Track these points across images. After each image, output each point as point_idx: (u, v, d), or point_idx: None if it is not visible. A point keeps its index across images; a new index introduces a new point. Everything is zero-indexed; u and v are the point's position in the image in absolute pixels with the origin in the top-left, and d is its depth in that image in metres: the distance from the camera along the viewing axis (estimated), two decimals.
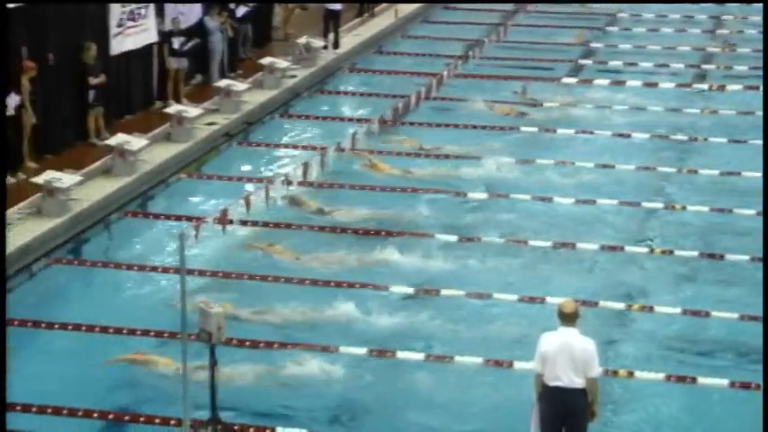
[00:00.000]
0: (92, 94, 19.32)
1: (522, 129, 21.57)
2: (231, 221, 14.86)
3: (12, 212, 16.51)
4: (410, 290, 14.84)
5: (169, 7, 22.02)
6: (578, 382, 10.31)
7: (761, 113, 21.00)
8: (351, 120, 21.96)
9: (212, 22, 22.86)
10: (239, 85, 22.31)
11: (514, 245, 16.22)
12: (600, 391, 10.57)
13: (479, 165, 19.42)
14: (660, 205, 17.92)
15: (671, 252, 16.07)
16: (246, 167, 19.74)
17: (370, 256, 15.75)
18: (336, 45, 26.43)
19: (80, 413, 11.84)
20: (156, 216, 17.68)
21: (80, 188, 17.27)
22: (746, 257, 15.61)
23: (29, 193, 17.01)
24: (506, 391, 12.30)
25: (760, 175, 17.79)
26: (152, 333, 13.57)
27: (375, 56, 27.19)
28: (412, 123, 21.58)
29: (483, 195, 18.20)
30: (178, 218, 17.05)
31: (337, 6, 26.35)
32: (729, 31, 29.06)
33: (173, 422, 11.47)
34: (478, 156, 19.75)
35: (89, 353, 13.07)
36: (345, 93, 24.51)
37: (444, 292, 14.77)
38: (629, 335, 13.93)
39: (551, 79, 24.81)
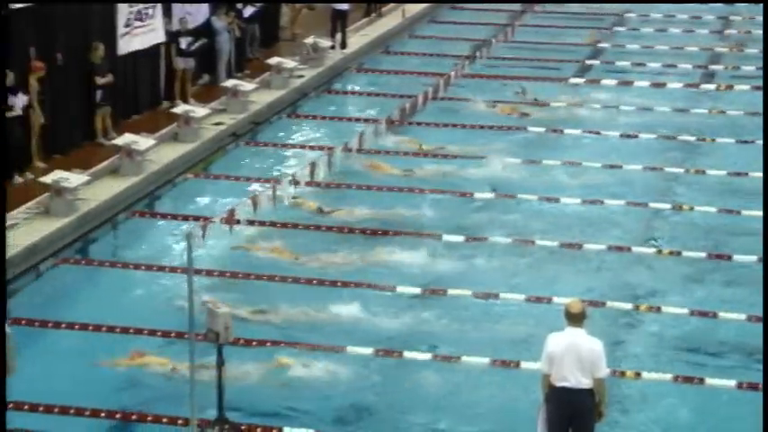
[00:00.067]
0: (99, 93, 19.35)
1: (530, 129, 21.55)
2: (238, 221, 14.87)
3: (19, 212, 16.55)
4: (417, 290, 14.84)
5: (176, 7, 22.05)
6: (585, 383, 10.30)
7: None
8: (358, 120, 21.95)
9: (219, 22, 22.88)
10: (246, 85, 22.32)
11: (521, 245, 16.21)
12: (607, 391, 10.56)
13: (485, 165, 19.40)
14: (667, 206, 17.90)
15: (678, 253, 16.04)
16: (254, 167, 19.75)
17: (377, 257, 15.75)
18: (344, 45, 26.44)
19: (87, 413, 11.86)
20: (164, 216, 17.70)
21: (87, 188, 17.30)
22: (754, 258, 15.57)
23: (36, 193, 17.04)
24: (513, 392, 12.30)
25: None
26: (159, 333, 13.59)
27: (382, 56, 27.18)
28: (419, 123, 21.58)
29: (489, 195, 18.19)
30: (185, 218, 17.07)
31: (345, 6, 26.35)
32: (737, 31, 29.01)
33: (180, 422, 11.49)
34: (485, 156, 19.73)
35: (96, 352, 13.08)
36: (353, 93, 24.51)
37: (451, 291, 14.77)
38: (637, 335, 13.91)
39: (558, 79, 24.79)
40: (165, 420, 11.70)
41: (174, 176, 19.07)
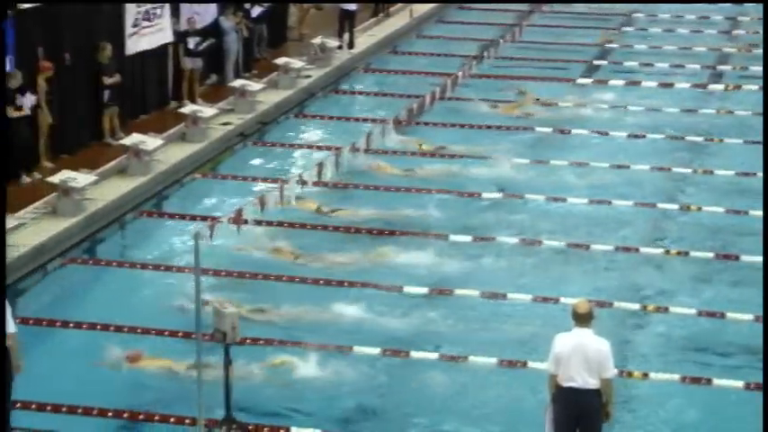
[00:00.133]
0: (107, 93, 19.38)
1: (537, 129, 21.54)
2: (246, 221, 14.86)
3: (27, 212, 16.58)
4: (424, 290, 14.83)
5: (184, 7, 22.07)
6: (592, 383, 10.28)
7: None
8: (365, 120, 21.95)
9: (227, 22, 22.90)
10: (254, 85, 22.33)
11: (528, 245, 16.20)
12: (614, 391, 10.55)
13: (492, 165, 19.39)
14: (675, 206, 17.87)
15: (686, 253, 16.02)
16: (261, 167, 19.76)
17: (383, 257, 15.74)
18: (351, 45, 26.44)
19: (95, 412, 11.88)
20: (171, 216, 17.70)
21: (95, 188, 17.32)
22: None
23: (44, 193, 17.06)
24: (520, 392, 12.29)
25: None
26: (166, 333, 13.60)
27: (390, 56, 27.19)
28: (426, 123, 21.57)
29: (497, 195, 18.18)
30: (193, 218, 17.08)
31: (352, 6, 26.36)
32: (746, 31, 28.95)
33: (187, 421, 11.50)
34: (492, 156, 19.73)
35: (103, 352, 13.07)
36: (360, 93, 24.52)
37: (458, 292, 14.76)
38: (644, 336, 13.89)
39: (566, 80, 24.77)
40: (172, 420, 11.71)
41: (182, 176, 19.09)
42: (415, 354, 13.19)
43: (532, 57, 26.44)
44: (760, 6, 29.87)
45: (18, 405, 11.44)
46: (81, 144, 19.24)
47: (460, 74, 23.25)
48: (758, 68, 25.18)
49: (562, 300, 14.17)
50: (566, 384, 10.31)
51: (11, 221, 15.55)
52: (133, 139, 18.75)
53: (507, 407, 12.15)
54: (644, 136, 21.17)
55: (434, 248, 15.96)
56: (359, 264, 15.56)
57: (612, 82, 24.58)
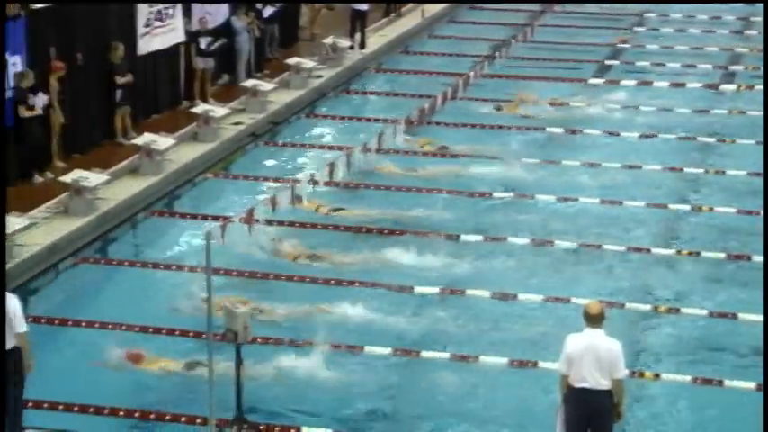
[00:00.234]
0: (119, 93, 19.41)
1: (548, 129, 21.51)
2: (257, 221, 14.88)
3: (39, 211, 16.63)
4: (435, 290, 14.83)
5: (196, 7, 22.10)
6: (604, 384, 10.28)
7: None
8: (377, 120, 21.95)
9: (239, 23, 22.92)
10: (266, 85, 22.36)
11: (540, 245, 16.18)
12: (625, 392, 10.54)
13: (504, 165, 19.39)
14: (687, 206, 17.85)
15: (698, 253, 15.99)
16: (272, 167, 19.78)
17: (394, 257, 15.74)
18: (363, 45, 26.45)
19: (106, 411, 11.90)
20: (183, 216, 17.73)
21: (107, 187, 17.36)
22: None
23: (56, 192, 17.10)
24: (531, 393, 12.28)
25: None
26: (177, 332, 13.62)
27: (401, 56, 27.19)
28: (438, 123, 21.56)
29: (508, 195, 18.17)
30: (204, 217, 17.10)
31: (364, 6, 26.37)
32: (757, 31, 28.87)
33: (198, 421, 11.52)
34: (503, 156, 19.72)
35: (114, 352, 13.10)
36: (371, 93, 24.52)
37: (469, 292, 14.75)
38: (656, 337, 13.87)
39: (578, 80, 24.74)
40: (183, 420, 11.73)
41: (194, 176, 19.12)
42: (425, 354, 13.19)
43: (544, 57, 26.42)
44: None
45: (30, 404, 11.47)
46: (93, 144, 19.28)
47: (472, 74, 23.23)
48: None
49: (573, 300, 14.15)
50: (577, 385, 10.30)
51: (23, 221, 15.59)
52: (145, 138, 18.79)
53: (518, 407, 12.14)
54: (656, 136, 21.14)
55: (446, 249, 15.95)
56: (368, 264, 15.56)
57: (624, 82, 24.54)
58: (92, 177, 16.98)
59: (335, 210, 17.34)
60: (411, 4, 30.31)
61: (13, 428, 10.92)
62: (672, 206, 17.78)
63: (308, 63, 23.88)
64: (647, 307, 14.46)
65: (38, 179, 17.67)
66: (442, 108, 21.74)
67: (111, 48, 19.30)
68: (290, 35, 26.45)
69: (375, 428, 11.96)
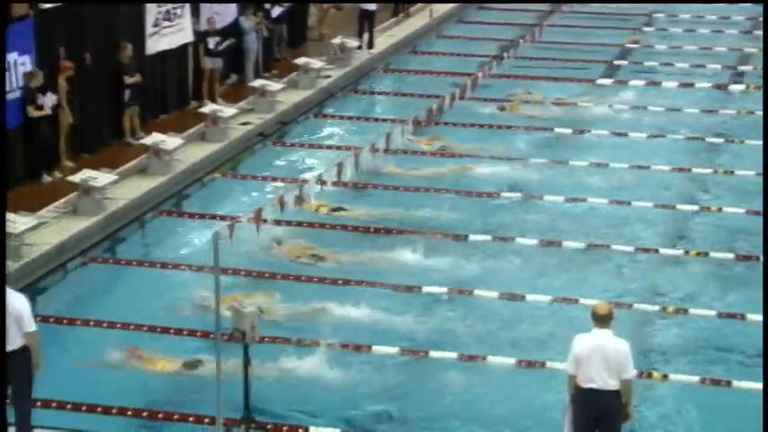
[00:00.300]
0: (127, 93, 19.44)
1: (557, 130, 21.50)
2: (265, 221, 14.87)
3: (48, 211, 16.65)
4: (443, 290, 14.82)
5: (204, 7, 22.13)
6: (612, 384, 10.27)
7: None
8: (385, 120, 21.95)
9: (247, 22, 22.94)
10: (274, 85, 22.37)
11: (548, 246, 16.17)
12: (633, 392, 10.53)
13: (511, 165, 19.38)
14: (695, 207, 17.82)
15: (706, 254, 15.97)
16: (280, 167, 19.79)
17: (402, 257, 15.74)
18: (371, 45, 26.45)
19: (114, 410, 11.92)
20: (191, 215, 17.74)
21: (115, 187, 17.38)
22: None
23: (65, 192, 17.13)
24: (539, 393, 12.27)
25: None
26: (185, 332, 13.63)
27: (409, 56, 27.18)
28: (446, 123, 21.55)
29: (516, 195, 18.15)
30: (212, 217, 17.12)
31: (372, 6, 26.37)
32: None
33: (206, 420, 11.53)
34: (511, 156, 19.72)
35: (122, 351, 13.12)
36: (379, 93, 24.52)
37: (477, 292, 14.75)
38: (664, 337, 13.85)
39: (586, 80, 24.72)
40: (191, 419, 11.74)
41: (202, 176, 19.14)
42: (433, 354, 13.19)
43: (552, 57, 26.39)
44: None
45: (38, 403, 11.49)
46: (101, 143, 19.31)
47: (480, 74, 23.22)
48: None
49: (581, 300, 14.14)
50: (585, 385, 10.29)
51: (32, 220, 15.62)
52: (153, 138, 18.81)
53: (525, 408, 12.13)
54: (664, 136, 21.11)
55: (455, 249, 15.94)
56: (376, 264, 15.56)
57: (633, 82, 24.51)
58: (100, 177, 17.00)
59: (336, 209, 17.34)
60: (419, 4, 30.31)
61: (22, 428, 10.96)
62: (680, 206, 17.76)
63: (316, 63, 23.89)
64: (656, 307, 14.44)
65: (46, 179, 17.70)
66: (450, 108, 21.73)
67: (120, 48, 19.33)
68: (299, 35, 26.47)
69: (382, 429, 11.95)
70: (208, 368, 12.56)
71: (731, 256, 15.88)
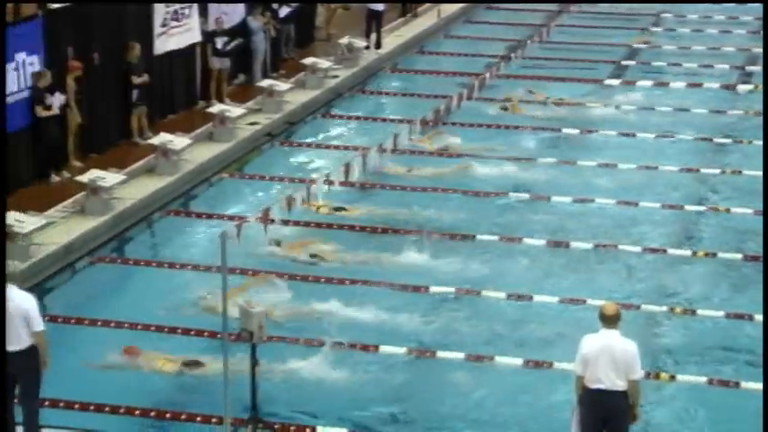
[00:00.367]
0: (135, 93, 19.46)
1: (564, 130, 21.48)
2: (273, 221, 14.87)
3: (56, 210, 16.68)
4: (450, 290, 14.81)
5: (212, 7, 22.14)
6: (620, 385, 10.26)
7: None
8: (392, 120, 21.95)
9: (255, 23, 22.95)
10: (281, 85, 22.39)
11: (555, 246, 16.16)
12: (641, 393, 10.51)
13: (519, 165, 19.37)
14: (703, 207, 17.80)
15: (714, 254, 15.95)
16: (288, 167, 19.80)
17: (410, 257, 15.74)
18: (378, 45, 26.46)
19: (122, 410, 11.94)
20: (199, 215, 17.76)
21: (123, 187, 17.40)
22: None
23: (73, 192, 17.15)
24: (546, 393, 12.26)
25: None
26: (192, 332, 13.65)
27: (417, 56, 27.19)
28: (454, 123, 21.54)
29: (523, 196, 18.15)
30: (220, 217, 17.13)
31: (380, 6, 26.37)
32: None
33: (214, 420, 11.54)
34: (517, 156, 19.72)
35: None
36: (387, 93, 24.52)
37: (485, 293, 14.74)
38: (672, 338, 13.83)
39: (594, 80, 24.71)
40: (198, 419, 11.75)
41: (209, 176, 19.16)
42: (440, 354, 13.18)
43: (560, 57, 26.37)
44: None
45: (46, 403, 11.52)
46: (109, 143, 19.34)
47: (488, 74, 23.19)
48: None
49: (589, 301, 14.13)
50: (593, 386, 10.28)
51: (40, 220, 15.64)
52: (161, 138, 18.83)
53: (533, 408, 12.12)
54: (672, 136, 21.10)
55: (462, 249, 15.93)
56: (386, 264, 15.56)
57: (640, 82, 24.49)
58: (108, 177, 17.02)
59: (337, 209, 17.33)
60: (427, 4, 30.31)
61: (30, 427, 10.98)
62: (688, 207, 17.75)
63: (323, 63, 23.90)
64: (663, 308, 14.42)
65: (54, 179, 17.73)
66: (458, 108, 21.71)
67: (128, 48, 19.35)
68: (306, 35, 26.49)
69: (389, 429, 11.95)
70: (209, 368, 12.60)
71: (739, 256, 15.86)
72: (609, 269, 15.58)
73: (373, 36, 26.38)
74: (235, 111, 20.78)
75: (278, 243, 15.93)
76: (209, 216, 17.43)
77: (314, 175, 18.15)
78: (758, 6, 30.99)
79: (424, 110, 20.73)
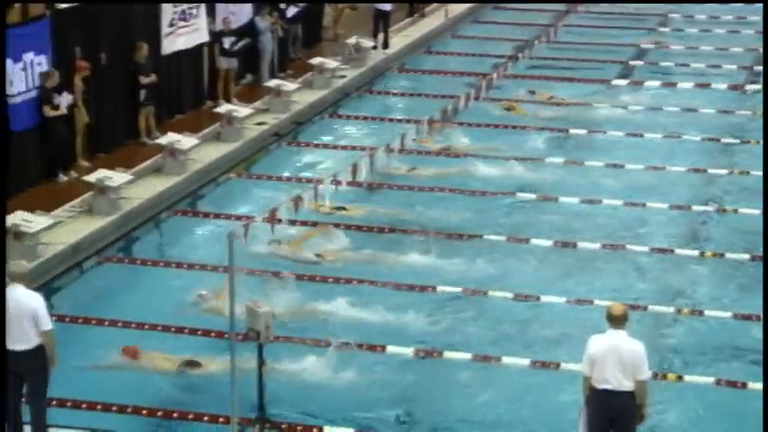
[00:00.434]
0: (143, 93, 19.48)
1: (572, 131, 21.46)
2: (280, 221, 14.87)
3: (63, 210, 16.70)
4: (457, 290, 14.81)
5: (220, 7, 22.16)
6: (627, 385, 10.25)
7: None
8: (400, 120, 21.95)
9: (263, 23, 22.97)
10: (289, 85, 22.40)
11: (562, 247, 16.14)
12: (648, 394, 10.50)
13: (526, 165, 19.36)
14: (711, 208, 17.78)
15: (722, 255, 15.92)
16: (295, 167, 19.81)
17: (417, 257, 15.73)
18: (386, 45, 26.46)
19: (129, 409, 11.95)
20: (206, 215, 17.77)
21: (131, 187, 17.42)
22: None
23: (80, 192, 17.18)
24: (553, 394, 12.25)
25: None
26: (199, 332, 13.66)
27: (424, 56, 27.19)
28: (461, 123, 21.53)
29: (530, 196, 18.13)
30: (227, 217, 17.14)
31: (387, 6, 26.38)
32: None
33: (221, 420, 11.55)
34: (524, 156, 19.71)
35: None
36: (394, 93, 24.53)
37: (491, 293, 14.73)
38: (679, 338, 13.81)
39: (601, 80, 24.68)
40: (206, 419, 11.76)
41: (217, 176, 19.17)
42: (447, 354, 13.18)
43: (567, 57, 26.35)
44: None
45: (54, 402, 11.52)
46: (117, 143, 19.36)
47: (495, 74, 23.18)
48: None
49: (596, 302, 14.11)
50: (600, 387, 10.27)
51: (47, 220, 15.66)
52: (169, 138, 18.85)
53: (540, 409, 12.11)
54: (680, 137, 21.06)
55: (469, 249, 15.92)
56: (393, 264, 15.55)
57: (648, 83, 24.47)
58: (115, 177, 17.04)
59: (338, 209, 17.32)
60: (435, 4, 30.32)
61: (37, 426, 11.00)
62: (695, 207, 17.73)
63: (331, 63, 23.91)
64: (671, 309, 14.40)
65: (62, 178, 17.76)
66: (465, 108, 21.70)
67: (136, 47, 19.37)
68: (314, 35, 26.49)
69: (396, 429, 11.95)
70: (213, 368, 12.61)
71: (747, 257, 15.83)
72: (616, 269, 15.56)
73: (381, 36, 26.39)
74: (242, 111, 20.80)
75: (278, 242, 15.92)
76: (217, 216, 17.44)
77: (321, 176, 18.16)
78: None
79: (432, 110, 20.77)
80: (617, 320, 10.32)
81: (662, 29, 29.68)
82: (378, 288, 14.78)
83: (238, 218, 16.28)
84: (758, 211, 17.33)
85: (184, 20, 21.02)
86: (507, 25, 29.58)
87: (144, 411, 11.95)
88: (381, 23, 26.44)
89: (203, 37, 21.61)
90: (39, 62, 17.42)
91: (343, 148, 20.68)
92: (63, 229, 16.03)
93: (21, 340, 10.70)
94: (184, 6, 20.96)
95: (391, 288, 14.77)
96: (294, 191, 16.83)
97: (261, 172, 19.61)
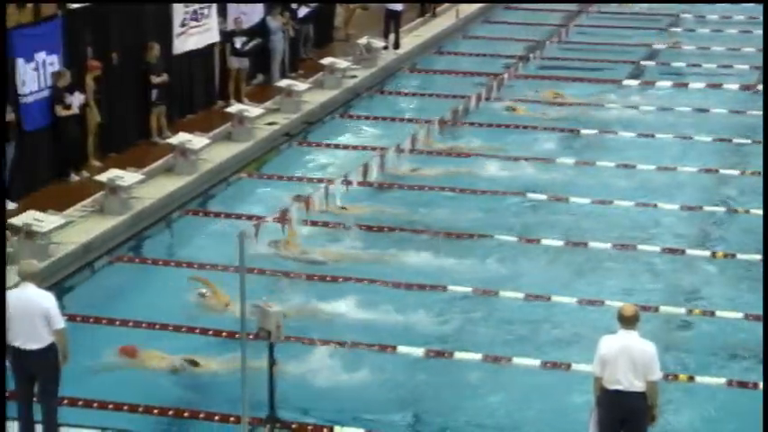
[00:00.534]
0: (154, 93, 19.51)
1: (583, 131, 21.43)
2: (291, 221, 14.89)
3: (75, 210, 16.74)
4: (467, 290, 14.80)
5: (231, 7, 22.19)
6: (638, 386, 10.23)
7: None
8: (410, 120, 21.95)
9: (274, 23, 22.98)
10: (300, 85, 22.41)
11: (574, 247, 16.12)
12: (659, 394, 10.48)
13: (537, 166, 19.34)
14: (723, 208, 17.74)
15: (733, 256, 15.89)
16: (306, 167, 19.82)
17: (428, 257, 15.73)
18: (397, 45, 26.46)
19: (140, 409, 11.96)
20: (217, 215, 17.78)
21: (142, 186, 17.45)
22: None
23: (92, 191, 17.21)
24: (565, 394, 12.23)
25: None
26: (210, 332, 13.67)
27: (435, 56, 27.17)
28: (472, 124, 21.52)
29: (541, 197, 18.11)
30: (238, 217, 17.15)
31: (398, 7, 26.38)
32: None
33: (232, 419, 11.56)
34: (535, 157, 19.69)
35: (149, 349, 13.17)
36: (405, 93, 24.52)
37: (502, 293, 14.72)
38: (690, 339, 13.79)
39: (613, 81, 24.65)
40: (216, 418, 11.78)
41: (228, 176, 19.19)
42: (457, 354, 13.17)
43: (579, 57, 26.32)
44: None
45: (65, 401, 11.55)
46: (128, 143, 19.39)
47: (506, 75, 23.18)
48: None
49: (607, 302, 14.09)
50: (611, 387, 10.26)
51: (59, 219, 15.70)
52: (180, 138, 18.88)
53: (551, 409, 12.10)
54: (691, 137, 21.02)
55: (480, 249, 15.92)
56: (404, 264, 15.55)
57: (660, 83, 24.43)
58: (127, 176, 17.07)
59: (340, 208, 17.31)
60: (446, 5, 30.30)
61: (48, 425, 11.02)
62: (707, 208, 17.69)
63: (342, 63, 23.92)
64: (682, 309, 14.38)
65: (74, 178, 17.80)
66: (476, 109, 21.70)
67: (147, 47, 19.41)
68: (325, 35, 26.51)
69: (405, 428, 11.95)
70: (218, 367, 12.62)
71: (758, 257, 15.78)
72: (627, 270, 15.54)
73: (392, 36, 26.39)
74: (253, 110, 20.81)
75: (276, 243, 15.91)
76: (228, 216, 17.45)
77: (332, 176, 18.18)
78: None
79: (443, 110, 20.79)
80: (628, 321, 10.31)
81: (673, 29, 29.62)
82: (388, 288, 14.78)
83: (249, 218, 16.28)
84: None
85: (196, 20, 21.04)
86: (518, 25, 29.56)
87: (155, 411, 11.96)
88: (392, 23, 26.44)
89: (214, 37, 21.64)
90: (51, 62, 17.46)
91: (354, 148, 20.69)
92: (74, 229, 16.06)
93: (33, 339, 10.73)
94: (196, 6, 20.98)
95: (401, 288, 14.77)
96: (305, 191, 16.89)
97: (272, 172, 19.62)
